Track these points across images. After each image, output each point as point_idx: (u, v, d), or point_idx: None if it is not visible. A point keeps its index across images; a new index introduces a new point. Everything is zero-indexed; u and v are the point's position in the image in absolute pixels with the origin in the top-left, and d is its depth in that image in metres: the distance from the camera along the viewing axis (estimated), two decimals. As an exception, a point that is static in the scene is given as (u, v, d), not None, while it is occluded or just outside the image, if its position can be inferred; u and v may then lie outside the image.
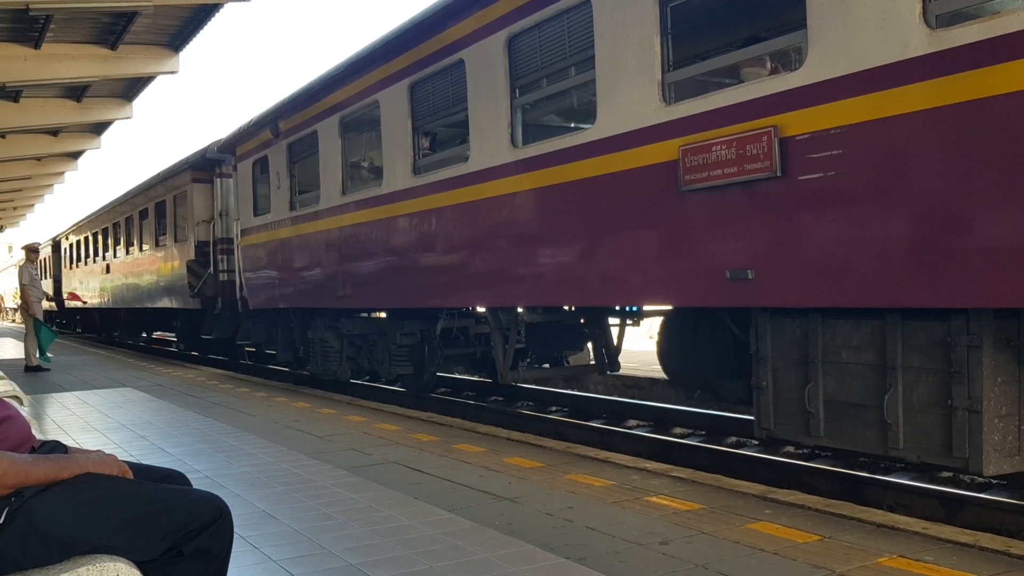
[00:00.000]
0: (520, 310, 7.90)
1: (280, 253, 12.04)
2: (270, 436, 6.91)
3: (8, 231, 52.04)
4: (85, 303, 25.74)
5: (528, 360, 9.80)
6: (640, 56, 5.71)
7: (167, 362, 16.45)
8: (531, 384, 11.13)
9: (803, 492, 4.85)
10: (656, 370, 9.98)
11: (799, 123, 4.69)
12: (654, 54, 5.61)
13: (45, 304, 17.70)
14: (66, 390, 11.00)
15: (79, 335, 31.97)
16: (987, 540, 3.63)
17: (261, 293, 12.97)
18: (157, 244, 18.75)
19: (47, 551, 2.08)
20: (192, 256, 15.84)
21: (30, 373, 13.72)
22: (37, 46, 13.71)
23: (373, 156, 9.90)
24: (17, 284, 15.75)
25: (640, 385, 11.41)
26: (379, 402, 9.63)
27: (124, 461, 2.36)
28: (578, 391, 11.47)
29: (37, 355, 14.26)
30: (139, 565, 2.13)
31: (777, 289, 4.95)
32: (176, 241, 17.20)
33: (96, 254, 25.47)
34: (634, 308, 7.73)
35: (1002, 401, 4.23)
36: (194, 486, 2.51)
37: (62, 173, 26.91)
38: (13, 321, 52.46)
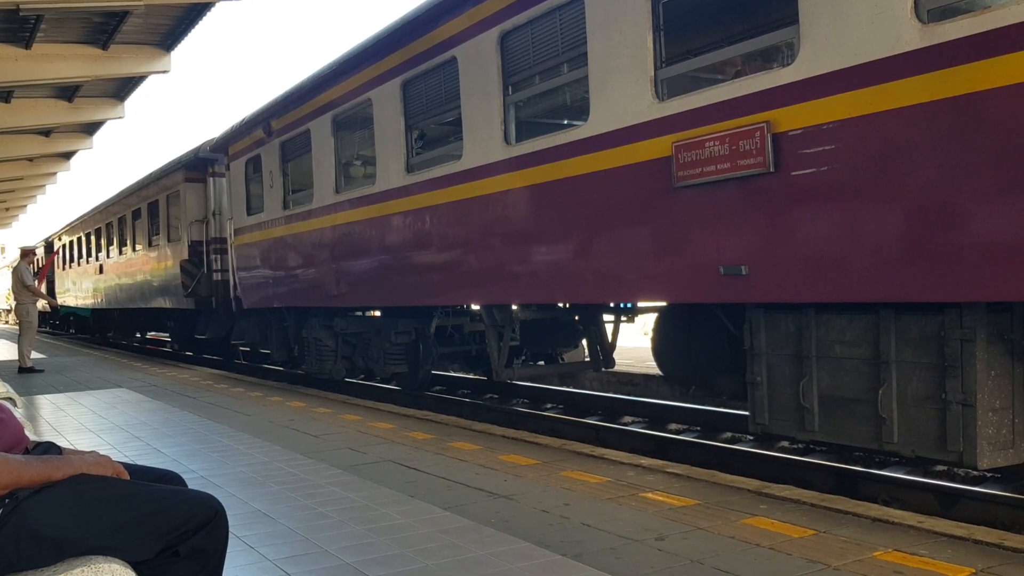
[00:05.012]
0: (515, 307, 7.90)
1: (274, 252, 12.02)
2: (265, 436, 6.90)
3: (0, 232, 51.89)
4: None
5: (523, 357, 9.79)
6: (633, 53, 5.71)
7: (161, 362, 16.41)
8: (526, 381, 11.13)
9: (798, 487, 4.85)
10: (651, 366, 9.99)
11: (791, 119, 4.69)
12: (647, 50, 5.61)
13: (40, 304, 17.68)
14: (60, 391, 10.97)
15: (72, 336, 31.87)
16: (982, 533, 3.64)
17: (255, 292, 12.95)
18: (150, 244, 18.70)
19: (42, 552, 2.08)
20: (185, 256, 15.80)
21: (23, 374, 13.68)
22: (28, 46, 13.66)
23: (366, 154, 9.89)
24: (9, 285, 15.75)
25: (635, 382, 11.42)
26: (374, 400, 9.63)
27: (119, 462, 2.35)
28: (573, 388, 11.48)
29: (30, 356, 14.26)
30: (134, 566, 2.13)
31: (771, 284, 4.95)
32: (169, 241, 17.16)
33: (89, 254, 25.40)
34: (628, 305, 7.73)
35: (996, 394, 4.25)
36: (189, 486, 2.51)
37: (54, 173, 26.82)
38: (6, 323, 52.29)
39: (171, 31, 14.40)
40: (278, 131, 11.52)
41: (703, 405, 8.73)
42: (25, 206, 37.20)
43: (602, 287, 6.30)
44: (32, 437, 2.61)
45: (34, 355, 15.03)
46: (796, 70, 4.69)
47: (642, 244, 5.84)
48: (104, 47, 14.32)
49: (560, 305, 8.19)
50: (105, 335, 26.98)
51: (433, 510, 4.35)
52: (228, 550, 2.37)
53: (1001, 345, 4.27)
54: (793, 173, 4.72)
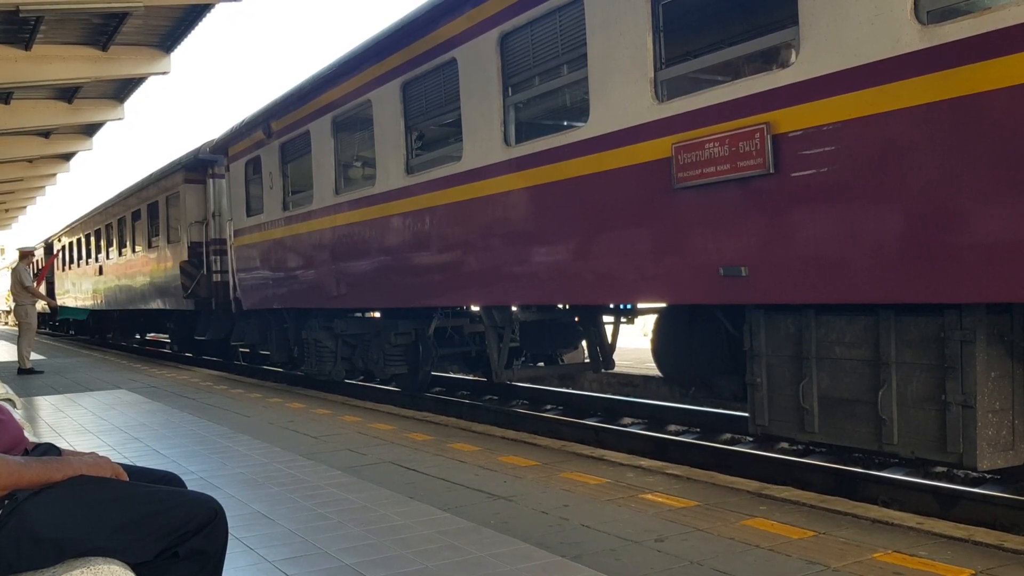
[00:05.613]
0: (514, 309, 7.90)
1: (273, 253, 12.02)
2: (265, 437, 6.90)
3: (0, 233, 51.86)
4: None
5: (523, 359, 9.79)
6: (632, 54, 5.71)
7: (161, 364, 16.41)
8: (526, 383, 11.13)
9: (798, 488, 4.85)
10: (650, 367, 9.98)
11: (791, 120, 4.69)
12: (646, 52, 5.61)
13: (39, 305, 17.68)
14: (59, 392, 10.97)
15: (72, 337, 31.86)
16: (981, 534, 3.64)
17: (255, 294, 12.95)
18: (150, 245, 18.70)
19: (41, 553, 2.08)
20: (185, 257, 15.80)
21: (23, 375, 13.68)
22: (28, 47, 13.66)
23: (366, 156, 9.89)
24: (9, 287, 15.79)
25: (635, 383, 11.42)
26: (374, 402, 9.62)
27: (118, 463, 2.35)
28: (573, 389, 11.47)
29: (30, 357, 14.26)
30: (134, 567, 2.13)
31: (771, 286, 4.95)
32: (169, 242, 17.16)
33: (89, 256, 25.40)
34: (628, 306, 7.73)
35: (996, 396, 4.25)
36: (188, 487, 2.51)
37: (54, 175, 26.81)
38: (6, 324, 52.27)
39: (171, 32, 14.39)
40: (278, 132, 11.52)
41: (702, 406, 8.73)
42: (24, 207, 37.19)
43: (602, 288, 6.30)
44: (31, 438, 2.61)
45: (33, 356, 15.03)
46: (796, 71, 4.69)
47: (642, 245, 5.84)
48: (104, 48, 14.31)
49: (560, 306, 8.19)
50: (105, 336, 26.97)
51: (433, 511, 4.35)
52: (228, 551, 2.37)
53: (1001, 346, 4.27)
54: (793, 174, 4.72)
